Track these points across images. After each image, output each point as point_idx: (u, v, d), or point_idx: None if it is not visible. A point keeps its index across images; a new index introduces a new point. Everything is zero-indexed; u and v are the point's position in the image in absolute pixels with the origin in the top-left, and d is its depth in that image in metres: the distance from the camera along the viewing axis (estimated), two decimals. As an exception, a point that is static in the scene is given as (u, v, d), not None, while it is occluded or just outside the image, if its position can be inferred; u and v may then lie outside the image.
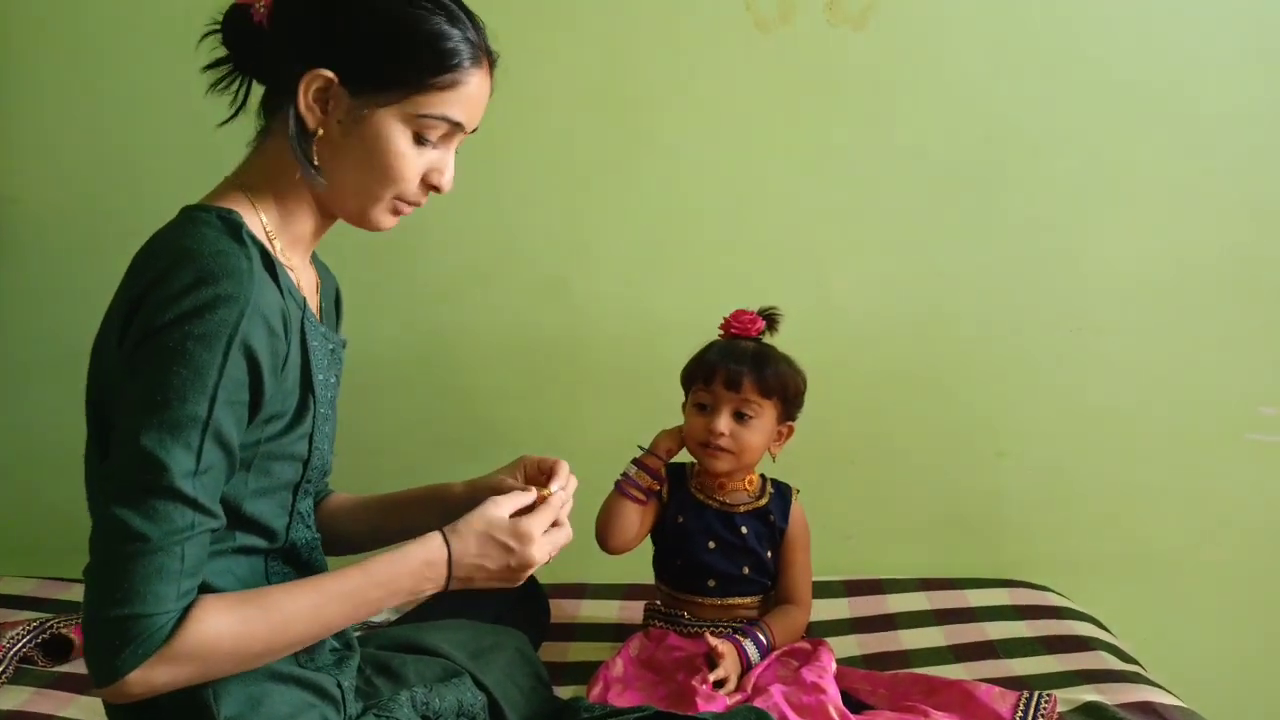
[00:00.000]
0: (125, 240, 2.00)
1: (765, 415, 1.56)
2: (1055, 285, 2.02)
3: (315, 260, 1.23)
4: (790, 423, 1.60)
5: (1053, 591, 1.92)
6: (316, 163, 1.07)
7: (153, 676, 0.93)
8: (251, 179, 1.10)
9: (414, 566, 1.07)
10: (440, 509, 1.25)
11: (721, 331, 1.61)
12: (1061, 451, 2.07)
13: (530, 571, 1.12)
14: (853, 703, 1.47)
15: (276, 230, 1.10)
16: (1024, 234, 2.01)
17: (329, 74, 1.04)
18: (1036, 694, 1.45)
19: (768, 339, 1.61)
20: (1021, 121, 1.98)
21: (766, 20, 1.96)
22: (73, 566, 1.93)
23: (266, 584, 1.10)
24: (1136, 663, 1.68)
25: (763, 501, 1.61)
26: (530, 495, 1.15)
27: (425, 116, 1.06)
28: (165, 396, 0.94)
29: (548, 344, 2.06)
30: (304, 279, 1.15)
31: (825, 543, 1.68)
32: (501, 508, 1.12)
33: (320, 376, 1.11)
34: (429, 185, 1.11)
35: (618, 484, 1.59)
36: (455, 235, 2.02)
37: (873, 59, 1.96)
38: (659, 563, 1.65)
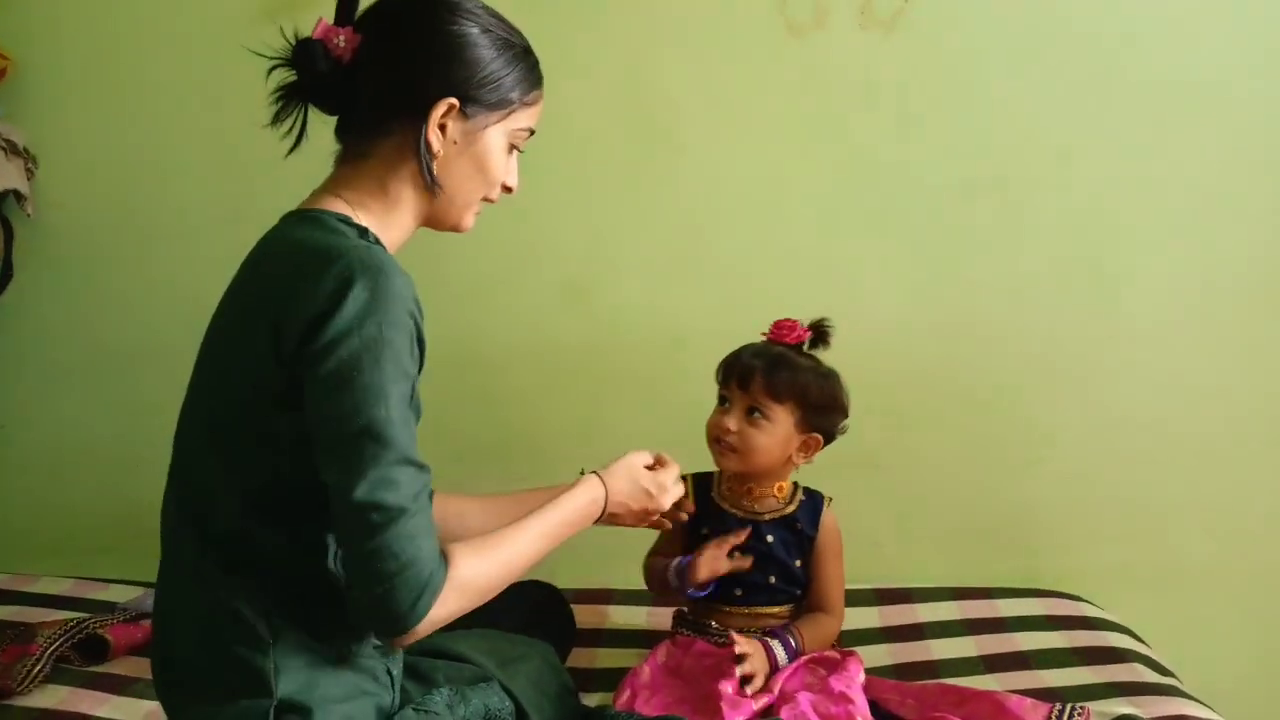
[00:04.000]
0: (155, 245, 2.07)
1: (777, 419, 1.54)
2: (1087, 292, 2.00)
3: None
4: (816, 434, 1.57)
5: (1087, 602, 1.90)
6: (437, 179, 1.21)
7: (436, 615, 1.09)
8: (350, 193, 1.20)
9: (585, 504, 1.29)
10: None
11: (764, 336, 1.61)
12: (1095, 460, 2.04)
13: (657, 515, 1.38)
14: (882, 713, 1.46)
15: (375, 233, 1.20)
16: (1056, 240, 1.99)
17: (453, 101, 1.17)
18: (1069, 706, 1.44)
19: (817, 352, 1.59)
20: (1051, 127, 1.95)
21: (800, 25, 1.95)
22: (106, 566, 2.01)
23: None
24: (1172, 675, 1.65)
25: (790, 509, 1.60)
26: (650, 455, 1.39)
27: (520, 130, 1.24)
28: (379, 382, 1.06)
29: (569, 349, 2.06)
30: None
31: (855, 550, 1.67)
32: (640, 458, 1.37)
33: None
34: (505, 188, 1.27)
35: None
36: (477, 240, 1.98)
37: (902, 64, 1.94)
38: None
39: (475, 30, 1.18)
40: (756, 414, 1.54)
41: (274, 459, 1.12)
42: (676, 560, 1.56)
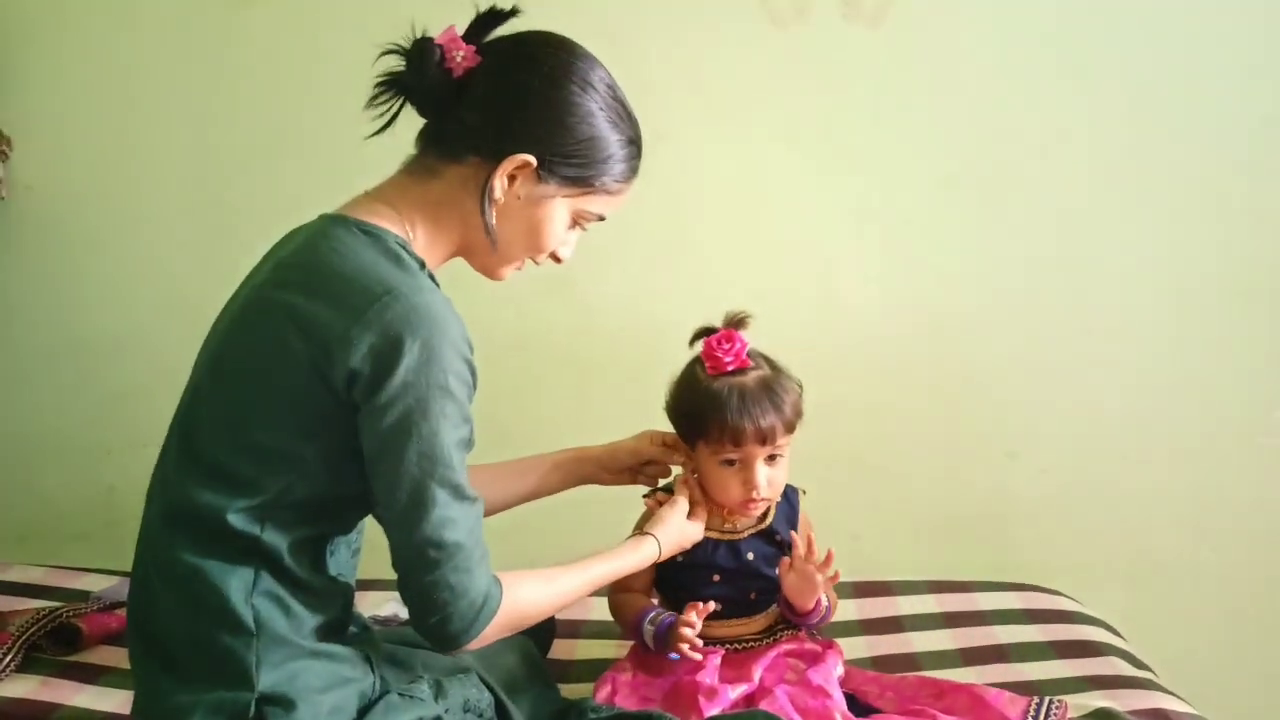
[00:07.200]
0: (128, 229, 2.04)
1: (788, 447, 1.47)
2: (1066, 287, 2.01)
3: None
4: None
5: (1064, 596, 1.91)
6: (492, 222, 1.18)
7: (487, 634, 1.16)
8: (404, 206, 1.19)
9: (635, 564, 1.38)
10: (578, 468, 1.54)
11: (708, 366, 1.46)
12: (1073, 454, 2.06)
13: None
14: (860, 706, 1.46)
15: (419, 252, 1.19)
16: (1035, 234, 2.00)
17: (531, 160, 1.15)
18: (1047, 699, 1.44)
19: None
20: (1033, 121, 1.96)
21: (783, 16, 1.95)
22: (79, 554, 1.99)
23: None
24: (1148, 669, 1.66)
25: (768, 522, 1.52)
26: (685, 501, 1.47)
27: (591, 212, 1.23)
28: (440, 428, 1.10)
29: (552, 341, 2.05)
30: None
31: (833, 543, 1.66)
32: (684, 506, 1.45)
33: None
34: (554, 257, 1.26)
35: None
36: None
37: (885, 57, 1.95)
38: (661, 597, 1.56)
39: (592, 106, 1.17)
40: (777, 456, 1.46)
41: (301, 469, 1.13)
42: (651, 619, 1.46)
